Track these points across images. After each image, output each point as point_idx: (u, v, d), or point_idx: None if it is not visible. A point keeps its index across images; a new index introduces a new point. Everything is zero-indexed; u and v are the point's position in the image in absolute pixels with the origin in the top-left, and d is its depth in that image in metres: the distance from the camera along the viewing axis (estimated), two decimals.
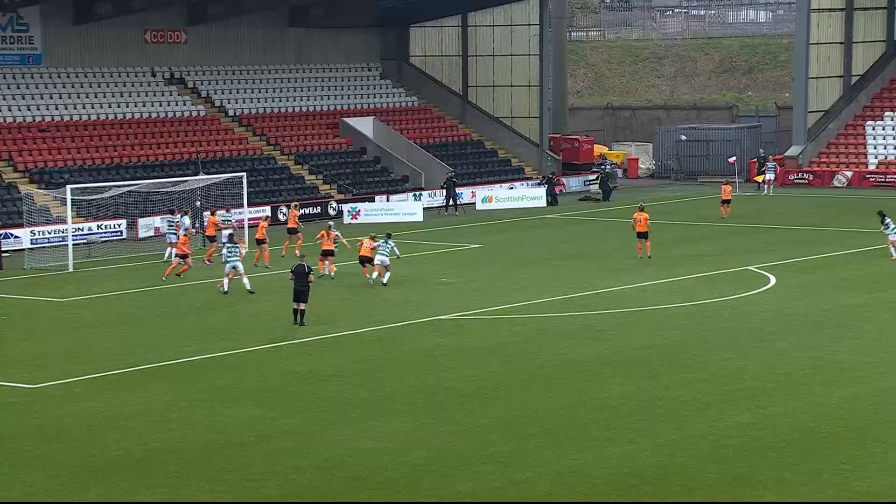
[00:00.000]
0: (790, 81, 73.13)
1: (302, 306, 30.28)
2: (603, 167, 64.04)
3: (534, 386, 25.03)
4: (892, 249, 39.99)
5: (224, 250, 35.97)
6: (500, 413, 22.98)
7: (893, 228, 39.97)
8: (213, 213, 43.31)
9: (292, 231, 42.84)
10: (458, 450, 20.93)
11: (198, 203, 49.06)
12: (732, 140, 69.30)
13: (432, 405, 23.60)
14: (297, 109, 62.41)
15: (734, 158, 63.00)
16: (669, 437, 21.38)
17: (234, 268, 35.17)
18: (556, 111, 72.37)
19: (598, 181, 62.09)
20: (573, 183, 64.86)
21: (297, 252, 35.30)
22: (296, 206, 45.82)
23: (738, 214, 52.11)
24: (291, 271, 30.67)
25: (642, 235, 39.76)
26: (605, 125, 79.04)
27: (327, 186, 58.04)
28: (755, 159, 67.48)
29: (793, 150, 67.09)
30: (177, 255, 38.35)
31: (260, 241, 40.47)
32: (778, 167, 63.16)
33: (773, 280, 36.97)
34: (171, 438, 21.66)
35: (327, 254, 37.64)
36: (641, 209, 40.36)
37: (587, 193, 62.61)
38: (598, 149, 70.90)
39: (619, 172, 68.54)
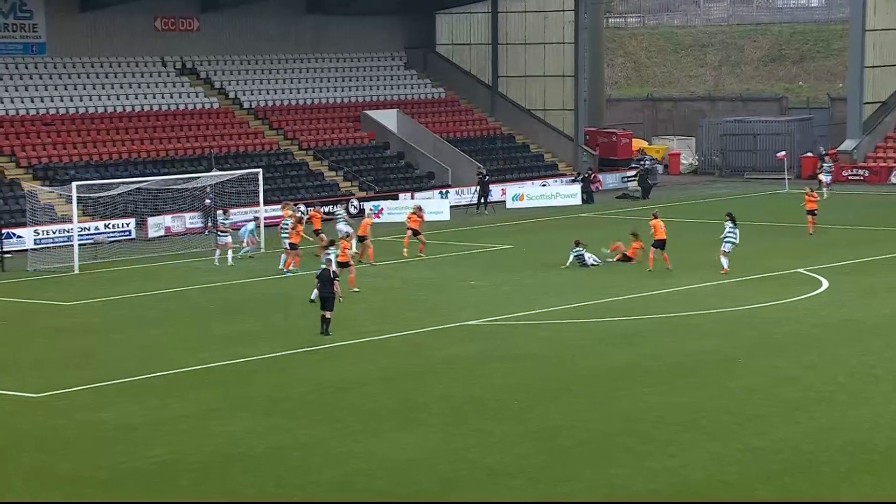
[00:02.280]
0: (844, 71, 72.80)
1: (327, 314, 30.32)
2: (642, 163, 63.91)
3: (568, 395, 25.02)
4: None
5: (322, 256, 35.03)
6: (532, 424, 22.99)
7: None
8: (315, 209, 43.23)
9: (318, 233, 42.94)
10: (488, 463, 20.95)
11: (207, 201, 49.31)
12: (781, 134, 69.08)
13: (460, 415, 23.64)
14: (315, 102, 62.60)
15: (784, 153, 62.78)
16: (714, 450, 21.33)
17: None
18: (592, 103, 72.34)
19: (637, 178, 61.99)
20: (610, 180, 64.79)
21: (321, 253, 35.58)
22: (318, 210, 45.86)
23: (787, 213, 51.91)
24: (317, 277, 30.71)
25: (660, 245, 39.20)
26: (645, 118, 78.91)
27: (348, 183, 58.20)
28: (808, 154, 67.20)
29: (847, 145, 66.77)
30: (290, 246, 38.77)
31: (362, 238, 40.52)
32: (834, 166, 62.75)
33: (825, 283, 36.81)
34: (183, 450, 21.77)
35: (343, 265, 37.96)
36: (656, 216, 39.87)
37: (625, 191, 62.52)
38: (637, 143, 70.82)
39: (660, 168, 68.44)
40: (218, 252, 41.79)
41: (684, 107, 79.07)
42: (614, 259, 40.30)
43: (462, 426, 22.93)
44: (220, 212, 44.48)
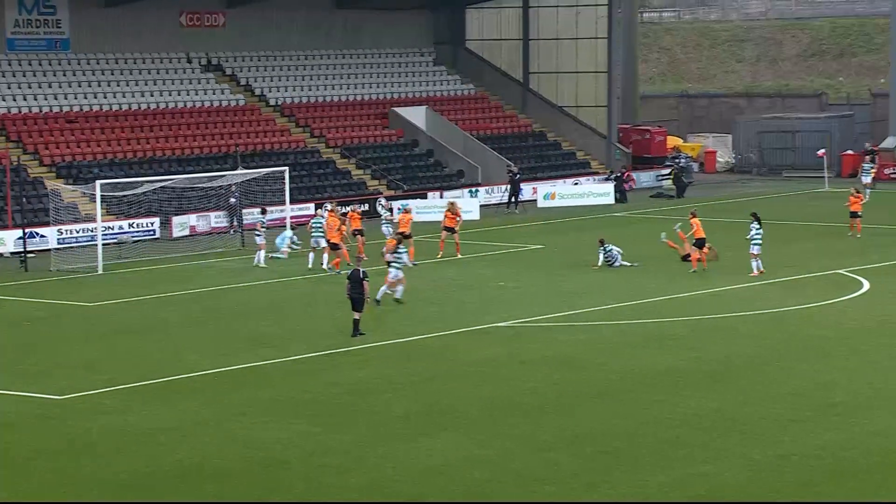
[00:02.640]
0: (887, 66, 72.28)
1: (356, 315, 30.32)
2: (677, 161, 63.63)
3: (601, 400, 24.93)
4: None
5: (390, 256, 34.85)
6: (564, 429, 22.92)
7: None
8: (354, 209, 43.53)
9: (358, 233, 42.97)
10: (518, 469, 20.90)
11: (232, 200, 49.39)
12: (821, 131, 68.65)
13: (490, 420, 23.59)
14: (343, 98, 62.67)
15: (823, 151, 62.38)
16: (752, 456, 21.20)
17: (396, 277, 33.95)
18: (625, 100, 72.06)
19: (672, 176, 61.75)
20: (644, 178, 64.56)
21: (359, 254, 35.73)
22: (356, 210, 45.74)
23: (828, 213, 51.60)
24: (347, 278, 30.73)
25: (700, 244, 39.06)
26: (680, 115, 78.58)
27: (376, 182, 58.22)
28: (848, 151, 66.75)
29: (889, 142, 66.28)
30: (329, 244, 39.06)
31: (405, 236, 40.65)
32: (877, 165, 62.22)
33: (866, 285, 36.56)
34: (207, 455, 21.80)
35: (334, 247, 38.84)
36: (694, 215, 39.69)
37: (660, 190, 62.29)
38: (672, 141, 70.54)
39: (695, 167, 68.12)
40: (262, 253, 41.64)
41: (721, 103, 78.71)
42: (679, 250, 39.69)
43: (493, 431, 22.88)
44: (257, 211, 44.50)
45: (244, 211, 48.70)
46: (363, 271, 30.57)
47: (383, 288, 34.03)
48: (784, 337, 30.32)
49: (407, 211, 43.36)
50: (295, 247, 43.52)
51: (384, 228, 43.35)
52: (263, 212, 43.82)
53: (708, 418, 23.38)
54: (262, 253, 41.92)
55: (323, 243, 40.93)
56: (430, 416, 23.93)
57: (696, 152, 71.60)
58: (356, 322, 30.31)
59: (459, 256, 42.35)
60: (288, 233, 44.21)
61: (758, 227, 38.14)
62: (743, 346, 29.45)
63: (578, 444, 22.05)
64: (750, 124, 71.06)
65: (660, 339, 30.28)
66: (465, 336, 30.96)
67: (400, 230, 41.02)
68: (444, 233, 42.89)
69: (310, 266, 40.52)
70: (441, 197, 55.47)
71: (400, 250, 34.18)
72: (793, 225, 50.15)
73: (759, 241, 37.99)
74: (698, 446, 21.78)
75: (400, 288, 34.17)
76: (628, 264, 40.12)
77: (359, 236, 42.63)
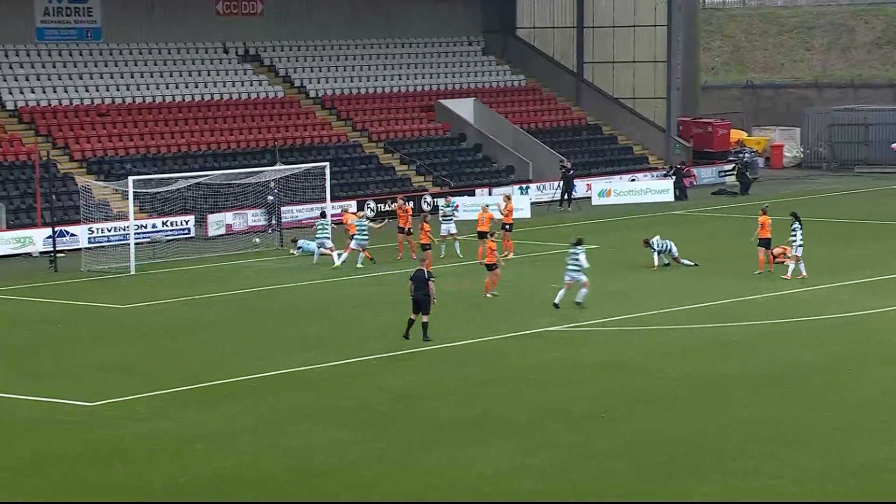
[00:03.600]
0: None
1: (424, 318, 30.47)
2: (741, 156, 63.38)
3: (658, 407, 24.95)
4: None
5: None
6: (619, 437, 22.97)
7: None
8: (400, 205, 44.06)
9: (404, 231, 43.17)
10: (573, 479, 20.98)
11: (270, 198, 49.71)
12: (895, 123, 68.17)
13: (542, 428, 23.67)
14: (387, 90, 62.89)
15: None
16: (817, 468, 21.17)
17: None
18: (685, 91, 71.84)
19: (736, 172, 61.52)
20: (706, 174, 64.34)
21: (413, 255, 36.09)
22: (405, 200, 45.65)
23: None
24: (410, 278, 30.89)
25: (765, 244, 38.86)
26: (744, 106, 78.22)
27: (421, 178, 58.39)
28: None
29: None
30: (422, 246, 39.51)
31: (483, 235, 40.89)
32: None
33: None
34: (244, 464, 22.01)
35: (424, 247, 38.90)
36: (764, 212, 39.49)
37: (722, 186, 62.08)
38: (736, 134, 70.25)
39: (760, 162, 67.82)
40: (346, 254, 41.90)
41: (788, 94, 78.28)
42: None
43: (545, 439, 22.96)
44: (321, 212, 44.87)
45: (283, 208, 49.05)
46: (428, 272, 30.71)
47: (562, 291, 34.12)
48: (852, 342, 30.18)
49: (485, 208, 43.45)
50: (327, 251, 43.82)
51: (444, 227, 43.28)
52: (323, 215, 44.09)
53: (770, 427, 23.35)
54: (335, 253, 42.22)
55: (329, 244, 41.89)
56: (480, 423, 24.04)
57: (762, 146, 71.26)
58: (424, 325, 30.40)
59: (509, 255, 42.45)
60: (312, 246, 44.09)
61: (799, 227, 37.90)
62: (808, 351, 29.35)
63: (635, 452, 22.09)
64: (819, 116, 70.63)
65: (719, 343, 30.23)
66: (517, 340, 31.05)
67: (479, 229, 41.25)
68: (502, 232, 42.88)
69: (359, 264, 40.85)
70: (490, 194, 55.56)
71: (578, 251, 34.21)
72: (864, 224, 49.84)
73: (801, 243, 37.72)
74: (761, 456, 21.76)
75: (583, 291, 34.01)
76: (689, 263, 40.03)
77: (408, 235, 42.87)
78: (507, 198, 44.63)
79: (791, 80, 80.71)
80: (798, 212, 38.96)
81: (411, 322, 30.50)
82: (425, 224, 40.36)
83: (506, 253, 42.12)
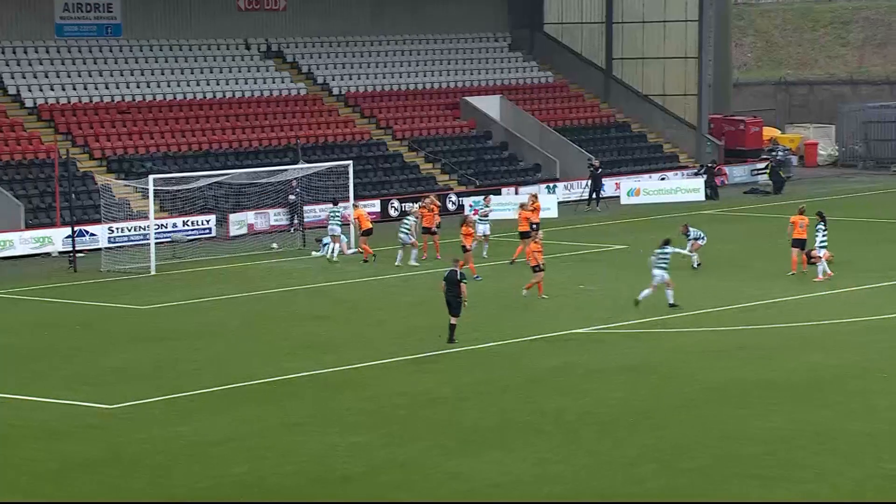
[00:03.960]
0: None
1: (452, 320, 30.48)
2: (774, 154, 63.13)
3: (687, 413, 24.90)
4: None
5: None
6: (647, 444, 22.93)
7: None
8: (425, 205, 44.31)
9: (428, 231, 43.20)
10: (599, 486, 20.95)
11: (292, 197, 49.77)
12: None
13: (567, 433, 23.65)
14: (411, 87, 62.91)
15: None
16: (851, 476, 21.09)
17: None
18: (717, 87, 71.60)
19: (768, 171, 61.30)
20: (738, 173, 64.13)
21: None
22: (431, 200, 45.53)
23: None
24: (444, 279, 30.92)
25: (799, 244, 38.69)
26: (777, 104, 77.95)
27: (446, 177, 58.39)
28: None
29: None
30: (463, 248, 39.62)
31: (525, 235, 40.99)
32: None
33: None
34: (264, 469, 22.06)
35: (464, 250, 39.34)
36: (802, 212, 39.32)
37: (754, 185, 61.86)
38: (769, 132, 69.99)
39: (794, 160, 67.55)
40: (413, 253, 42.00)
41: (823, 91, 77.95)
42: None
43: (570, 445, 22.94)
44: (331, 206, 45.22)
45: (305, 207, 49.13)
46: (460, 272, 30.71)
47: (646, 291, 34.20)
48: (885, 346, 30.04)
49: (524, 207, 43.46)
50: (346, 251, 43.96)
51: (481, 228, 43.19)
52: (335, 202, 44.46)
53: (805, 434, 23.27)
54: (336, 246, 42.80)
55: (337, 231, 42.90)
56: (503, 429, 24.02)
57: (795, 144, 70.96)
58: (452, 327, 30.42)
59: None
60: (332, 247, 44.25)
61: (824, 227, 37.81)
62: (844, 355, 29.23)
63: (663, 459, 22.05)
64: (855, 114, 70.28)
65: (752, 347, 30.13)
66: (542, 343, 31.03)
67: (520, 230, 41.51)
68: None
69: (397, 262, 41.26)
70: (516, 193, 55.53)
71: (667, 250, 34.35)
72: None
73: (825, 244, 37.63)
74: (794, 465, 21.68)
75: (669, 292, 34.22)
76: (684, 252, 39.37)
77: (435, 235, 42.89)
78: (534, 197, 44.55)
79: (826, 76, 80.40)
80: (828, 212, 38.86)
81: (453, 326, 30.49)
82: (467, 226, 40.05)
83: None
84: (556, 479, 21.27)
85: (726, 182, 61.94)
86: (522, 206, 43.66)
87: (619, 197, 58.06)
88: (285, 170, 49.08)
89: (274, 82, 59.35)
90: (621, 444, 22.91)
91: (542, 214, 46.62)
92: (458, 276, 30.36)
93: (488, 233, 43.48)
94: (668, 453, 22.37)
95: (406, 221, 42.06)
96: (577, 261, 43.05)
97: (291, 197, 49.78)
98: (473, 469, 21.78)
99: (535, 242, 36.55)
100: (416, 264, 41.33)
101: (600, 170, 57.03)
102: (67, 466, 22.38)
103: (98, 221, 46.69)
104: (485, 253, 42.72)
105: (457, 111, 62.61)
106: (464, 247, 39.53)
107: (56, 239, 46.01)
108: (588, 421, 24.36)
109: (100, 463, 22.57)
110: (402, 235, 41.70)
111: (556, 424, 24.20)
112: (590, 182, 56.64)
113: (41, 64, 54.87)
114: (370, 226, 43.68)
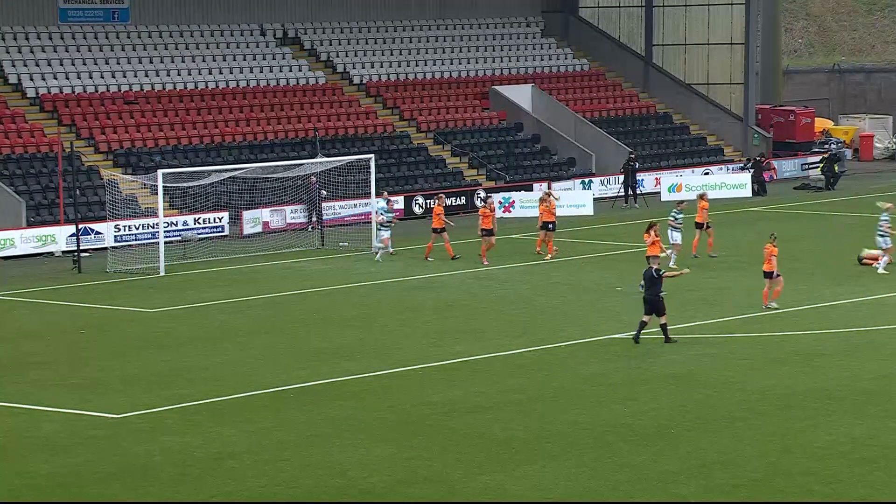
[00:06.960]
0: None
1: (661, 319, 30.49)
2: (827, 147, 62.96)
3: (734, 424, 24.82)
4: None
5: None
6: (690, 458, 22.87)
7: None
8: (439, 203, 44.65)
9: (438, 230, 43.18)
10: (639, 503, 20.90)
11: (324, 192, 49.66)
12: None
13: (604, 446, 23.61)
14: (437, 76, 62.99)
15: None
16: None
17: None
18: (765, 76, 71.52)
19: (821, 165, 61.13)
20: (787, 167, 64.01)
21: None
22: (441, 199, 45.69)
23: None
24: (643, 277, 31.01)
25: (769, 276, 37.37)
26: (831, 93, 77.72)
27: (474, 171, 58.45)
28: None
29: None
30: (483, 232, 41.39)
31: (701, 226, 41.89)
32: None
33: None
34: (281, 483, 22.10)
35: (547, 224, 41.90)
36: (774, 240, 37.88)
37: (806, 180, 61.73)
38: (821, 123, 69.81)
39: (848, 153, 67.35)
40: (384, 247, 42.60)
41: (879, 79, 77.68)
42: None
43: (607, 459, 22.90)
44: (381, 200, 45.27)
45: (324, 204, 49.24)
46: (656, 269, 30.71)
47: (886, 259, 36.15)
48: None
49: (702, 196, 43.39)
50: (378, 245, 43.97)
51: (671, 232, 42.92)
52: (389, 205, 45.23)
53: (862, 447, 23.18)
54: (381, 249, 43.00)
55: (385, 234, 43.20)
56: (536, 441, 24.01)
57: (850, 137, 70.76)
58: (663, 326, 30.48)
59: (549, 257, 42.57)
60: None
61: (886, 219, 38.39)
62: None
63: (708, 475, 21.99)
64: None
65: (803, 353, 30.04)
66: (578, 349, 30.99)
67: (697, 220, 42.04)
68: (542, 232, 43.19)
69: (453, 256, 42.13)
70: (549, 188, 55.38)
71: (885, 216, 35.65)
72: None
73: (885, 234, 38.51)
74: (850, 480, 21.60)
75: (885, 259, 36.60)
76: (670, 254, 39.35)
77: (443, 234, 42.89)
78: (702, 197, 43.88)
79: (883, 63, 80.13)
80: (866, 207, 39.33)
81: (642, 325, 30.60)
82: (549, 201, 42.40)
83: (549, 255, 42.24)
84: (592, 494, 21.24)
85: (775, 177, 61.79)
86: (547, 194, 44.12)
87: (659, 193, 57.97)
88: (302, 164, 49.18)
89: (291, 70, 59.50)
90: (661, 458, 22.86)
91: (577, 212, 46.69)
92: (655, 274, 30.42)
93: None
94: (713, 467, 22.33)
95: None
96: (611, 261, 42.98)
97: (324, 192, 49.68)
98: (504, 484, 21.77)
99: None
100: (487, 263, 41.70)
101: (636, 164, 56.89)
102: (74, 479, 22.45)
103: (104, 219, 46.91)
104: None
105: (485, 101, 62.67)
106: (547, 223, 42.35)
107: (59, 237, 46.24)
108: (626, 433, 24.31)
109: (109, 476, 22.64)
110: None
111: (593, 436, 24.17)
112: (626, 177, 56.49)
113: (44, 51, 55.14)
114: (442, 224, 43.38)
